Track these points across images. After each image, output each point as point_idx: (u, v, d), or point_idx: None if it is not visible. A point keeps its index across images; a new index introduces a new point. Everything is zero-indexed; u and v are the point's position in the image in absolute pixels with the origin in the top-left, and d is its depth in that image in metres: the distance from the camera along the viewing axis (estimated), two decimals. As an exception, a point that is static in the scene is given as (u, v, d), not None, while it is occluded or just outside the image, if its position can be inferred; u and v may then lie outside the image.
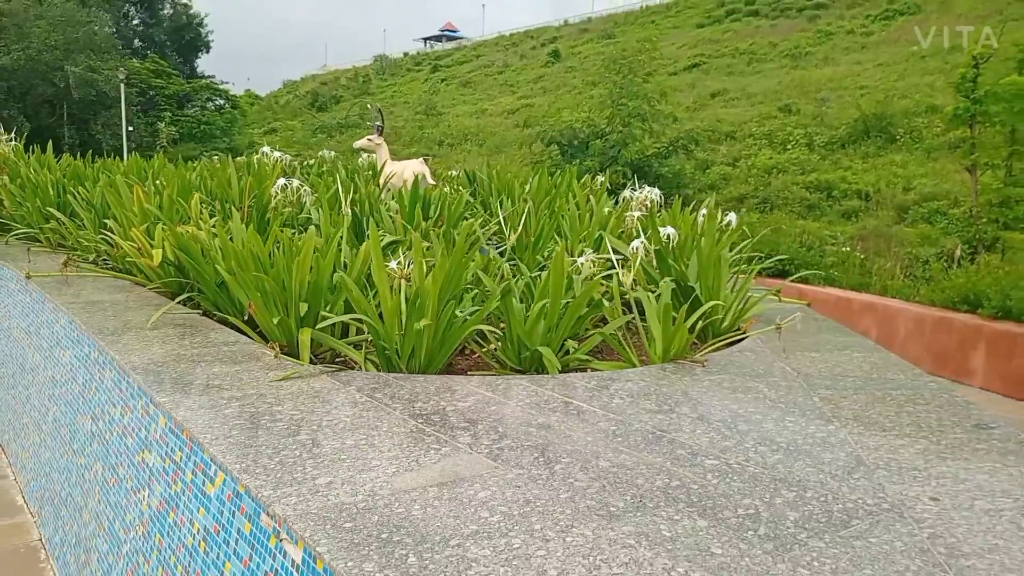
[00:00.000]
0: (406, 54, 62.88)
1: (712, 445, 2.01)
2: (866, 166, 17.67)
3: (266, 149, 5.20)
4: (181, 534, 2.01)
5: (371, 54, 62.18)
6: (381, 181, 6.30)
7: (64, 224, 5.28)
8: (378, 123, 6.32)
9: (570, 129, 14.42)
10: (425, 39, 75.31)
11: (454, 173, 7.69)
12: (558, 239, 4.68)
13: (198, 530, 1.92)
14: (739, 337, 3.49)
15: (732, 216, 5.05)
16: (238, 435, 1.96)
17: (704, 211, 5.15)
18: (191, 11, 51.00)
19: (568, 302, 3.02)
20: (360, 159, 8.42)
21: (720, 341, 3.28)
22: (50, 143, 8.24)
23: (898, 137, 18.44)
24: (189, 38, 50.71)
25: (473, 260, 3.37)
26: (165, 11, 50.55)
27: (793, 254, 9.37)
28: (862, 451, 1.98)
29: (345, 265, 3.36)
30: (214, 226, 3.83)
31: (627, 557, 1.39)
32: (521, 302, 3.14)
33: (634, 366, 2.96)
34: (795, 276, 9.24)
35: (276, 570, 1.55)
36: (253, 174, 4.53)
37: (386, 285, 2.80)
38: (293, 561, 1.49)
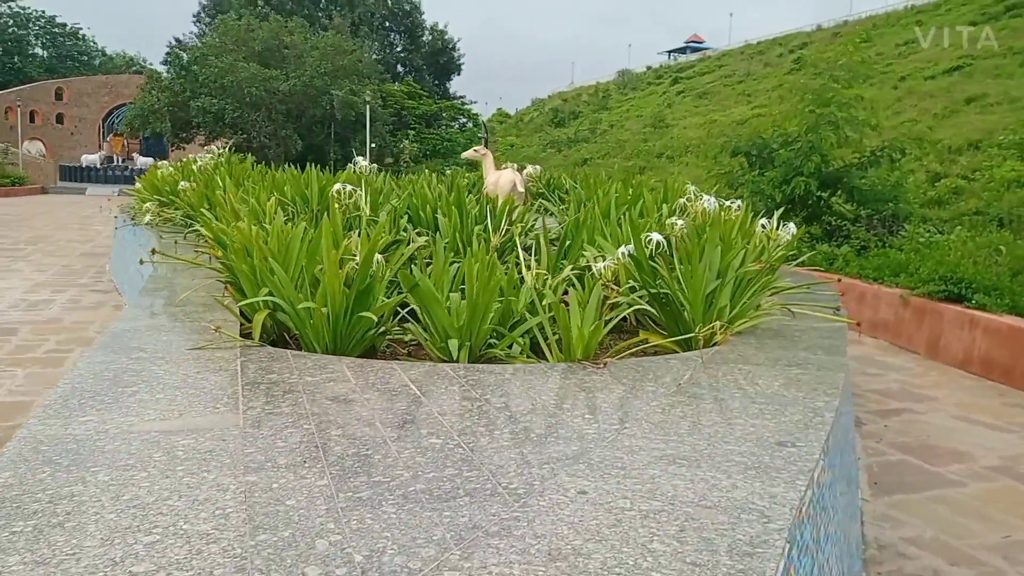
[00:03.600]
0: (649, 68, 62.80)
1: (451, 428, 2.10)
2: None
3: (358, 158, 5.80)
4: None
5: (616, 70, 62.84)
6: (487, 189, 6.68)
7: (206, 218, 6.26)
8: (483, 135, 6.71)
9: (760, 139, 13.80)
10: (669, 52, 74.78)
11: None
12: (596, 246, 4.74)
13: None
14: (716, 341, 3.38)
15: (791, 227, 4.77)
16: (91, 383, 2.40)
17: (792, 228, 4.91)
18: (446, 36, 55.15)
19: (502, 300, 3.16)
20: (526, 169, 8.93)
21: (638, 346, 3.22)
22: (250, 154, 9.64)
23: None
24: (443, 61, 54.87)
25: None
26: (424, 38, 55.13)
27: (973, 276, 8.29)
28: (568, 439, 1.97)
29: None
30: (264, 223, 4.42)
31: (213, 489, 1.60)
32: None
33: (550, 363, 3.03)
34: (972, 303, 8.21)
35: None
36: (321, 182, 5.12)
37: (330, 274, 3.12)
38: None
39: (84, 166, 44.54)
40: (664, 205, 5.50)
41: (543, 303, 3.29)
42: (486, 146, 6.76)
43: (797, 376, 2.88)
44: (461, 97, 52.53)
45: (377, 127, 37.14)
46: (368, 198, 4.62)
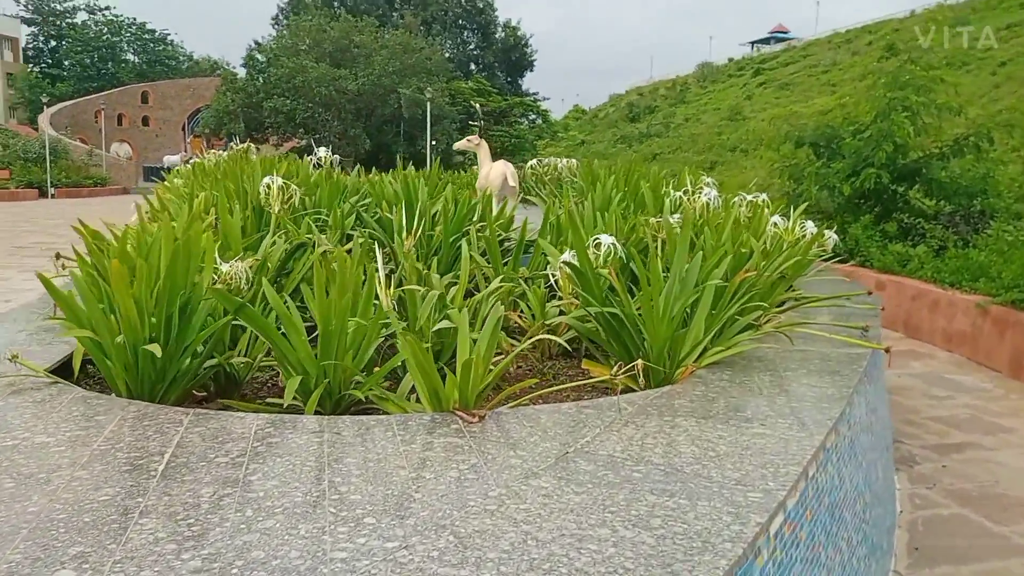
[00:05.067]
0: (730, 60, 60.42)
1: (116, 546, 1.36)
2: None
3: (321, 150, 5.13)
4: None
5: (696, 63, 60.66)
6: (479, 183, 5.93)
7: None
8: (477, 123, 5.96)
9: (828, 127, 12.54)
10: (752, 43, 72.06)
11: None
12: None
13: None
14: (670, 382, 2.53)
15: (809, 225, 3.84)
16: None
17: (811, 226, 4.01)
18: (519, 33, 54.51)
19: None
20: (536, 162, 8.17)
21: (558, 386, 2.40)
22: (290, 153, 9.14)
23: None
24: (515, 58, 54.27)
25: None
26: (497, 35, 54.64)
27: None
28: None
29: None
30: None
31: None
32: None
33: (415, 413, 2.25)
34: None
35: None
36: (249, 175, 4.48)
37: (119, 292, 2.36)
38: None
39: (166, 167, 45.94)
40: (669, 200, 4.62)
41: (432, 329, 2.51)
42: (480, 136, 6.00)
43: (750, 441, 2.02)
44: (534, 94, 51.75)
45: (445, 125, 36.71)
46: (290, 193, 3.90)
